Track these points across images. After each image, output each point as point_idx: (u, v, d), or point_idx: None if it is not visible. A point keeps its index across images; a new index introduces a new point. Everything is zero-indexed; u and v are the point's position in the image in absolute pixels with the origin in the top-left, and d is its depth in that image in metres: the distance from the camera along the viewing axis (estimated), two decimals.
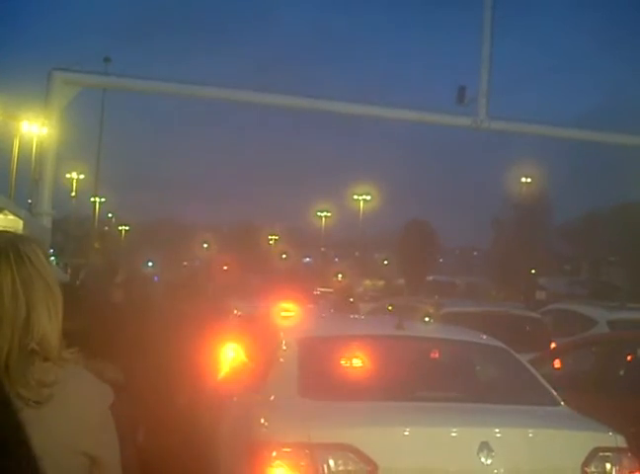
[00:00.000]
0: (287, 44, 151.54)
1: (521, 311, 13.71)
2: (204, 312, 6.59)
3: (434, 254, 65.11)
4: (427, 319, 6.61)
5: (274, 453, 4.40)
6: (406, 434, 4.63)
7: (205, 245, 61.21)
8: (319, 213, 75.13)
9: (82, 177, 62.05)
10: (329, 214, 75.44)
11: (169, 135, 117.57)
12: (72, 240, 51.57)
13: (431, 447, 4.53)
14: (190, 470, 5.89)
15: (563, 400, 5.38)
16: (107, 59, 35.05)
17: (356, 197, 71.97)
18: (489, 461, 4.44)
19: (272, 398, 5.12)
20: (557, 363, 9.11)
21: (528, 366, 5.79)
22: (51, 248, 17.86)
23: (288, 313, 6.43)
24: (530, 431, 4.82)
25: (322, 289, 33.82)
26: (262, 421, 4.90)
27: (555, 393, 5.42)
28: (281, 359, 5.40)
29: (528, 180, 56.44)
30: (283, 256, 66.05)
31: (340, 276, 45.33)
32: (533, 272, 51.15)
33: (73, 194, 62.63)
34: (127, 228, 77.98)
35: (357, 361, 5.49)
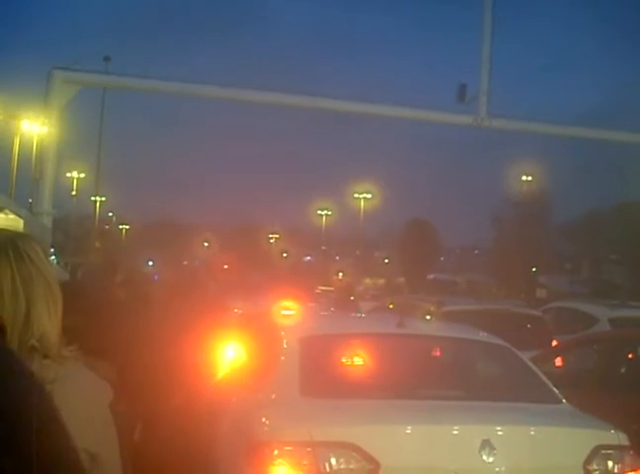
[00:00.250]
0: (287, 43, 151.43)
1: (522, 309, 13.70)
2: (204, 310, 6.58)
3: (434, 252, 65.15)
4: (428, 317, 6.60)
5: (275, 452, 4.40)
6: (408, 432, 4.63)
7: (206, 244, 61.25)
8: (320, 212, 75.15)
9: (82, 176, 62.11)
10: (330, 213, 75.47)
11: (169, 134, 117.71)
12: (73, 239, 51.60)
13: (432, 445, 4.53)
14: (187, 468, 5.89)
15: (565, 398, 5.37)
16: (107, 58, 35.15)
17: (356, 195, 72.00)
18: (491, 459, 4.44)
19: (273, 397, 5.12)
20: (558, 361, 9.11)
21: (530, 364, 5.78)
22: (52, 247, 17.85)
23: (289, 312, 6.42)
24: (532, 428, 4.82)
25: (323, 288, 33.81)
26: (263, 419, 4.89)
27: (557, 391, 5.41)
28: (283, 358, 5.39)
29: (529, 178, 56.45)
30: (284, 254, 66.08)
31: (340, 274, 45.35)
32: (534, 270, 51.19)
33: (74, 193, 62.68)
34: (128, 227, 78.00)
35: (358, 360, 5.49)
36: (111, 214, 74.80)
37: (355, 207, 73.02)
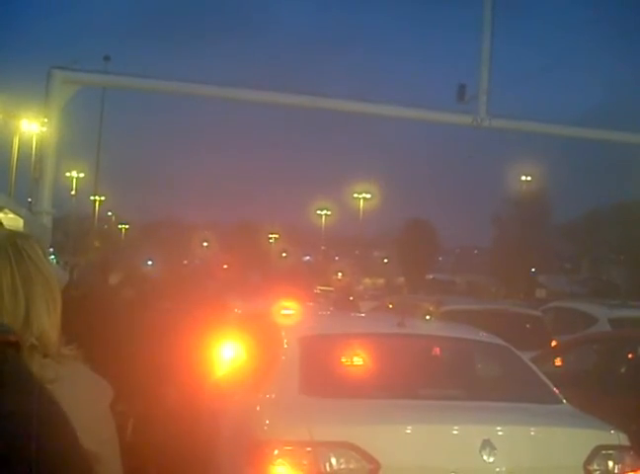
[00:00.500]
0: (287, 42, 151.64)
1: (522, 309, 13.68)
2: (204, 310, 6.58)
3: (433, 252, 65.19)
4: (427, 317, 6.60)
5: (275, 452, 4.39)
6: (408, 431, 4.63)
7: (206, 244, 61.25)
8: (319, 212, 75.15)
9: (82, 175, 62.09)
10: (329, 213, 75.46)
11: (168, 134, 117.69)
12: (72, 239, 51.59)
13: (433, 445, 4.52)
14: (182, 468, 5.89)
15: (565, 398, 5.37)
16: (106, 58, 35.07)
17: (356, 195, 72.02)
18: (491, 459, 4.43)
19: (273, 396, 5.11)
20: (558, 361, 9.11)
21: (530, 364, 5.78)
22: (51, 247, 17.85)
23: (289, 311, 6.42)
24: (532, 428, 4.82)
25: (322, 288, 33.81)
26: (263, 419, 4.89)
27: (557, 391, 5.41)
28: (283, 357, 5.39)
29: (529, 178, 56.47)
30: (284, 254, 66.09)
31: (340, 274, 45.38)
32: (533, 270, 51.21)
33: (73, 192, 62.68)
34: (127, 227, 78.00)
35: (358, 359, 5.49)
36: (110, 214, 74.82)
37: (354, 207, 73.07)
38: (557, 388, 5.46)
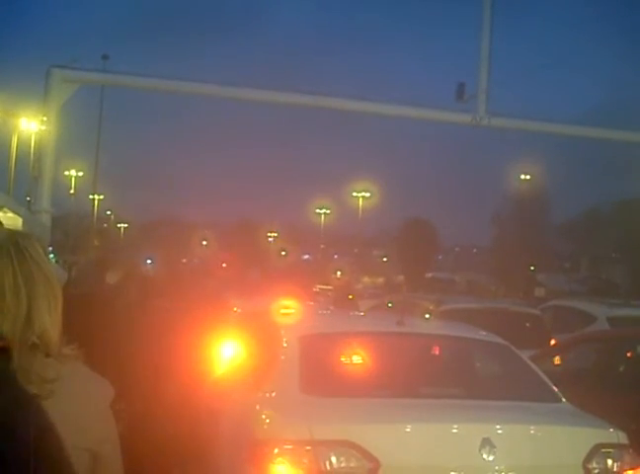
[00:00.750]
0: (286, 41, 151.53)
1: (521, 308, 13.69)
2: (203, 309, 6.58)
3: (433, 251, 65.20)
4: (427, 316, 6.60)
5: (275, 450, 4.39)
6: (408, 430, 4.63)
7: (205, 242, 61.24)
8: (318, 210, 75.14)
9: (81, 174, 62.03)
10: (328, 211, 75.45)
11: (167, 132, 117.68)
12: (71, 237, 51.57)
13: (432, 444, 4.53)
14: (181, 465, 5.89)
15: (564, 397, 5.37)
16: (105, 56, 35.10)
17: (355, 194, 71.98)
18: (491, 458, 4.44)
19: (273, 395, 5.12)
20: (557, 360, 9.11)
21: (529, 363, 5.78)
22: (50, 245, 17.84)
23: (289, 310, 6.42)
24: (532, 427, 4.82)
25: (321, 287, 33.80)
26: (263, 418, 4.90)
27: (556, 390, 5.41)
28: (283, 357, 5.39)
29: (528, 177, 56.46)
30: (283, 253, 66.12)
31: (339, 273, 45.36)
32: (533, 269, 51.20)
33: (72, 191, 62.65)
34: (126, 225, 78.00)
35: (358, 358, 5.49)
36: (109, 213, 74.80)
37: (353, 206, 73.05)
38: (556, 387, 5.46)
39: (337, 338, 5.75)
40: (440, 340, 6.03)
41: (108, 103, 51.55)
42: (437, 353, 6.06)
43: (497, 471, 4.47)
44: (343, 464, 4.32)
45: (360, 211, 72.99)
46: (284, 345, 5.51)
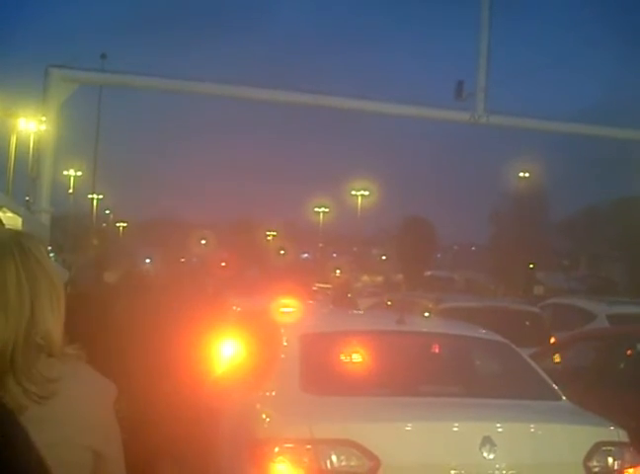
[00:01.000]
0: (285, 40, 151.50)
1: (520, 306, 13.72)
2: (202, 307, 6.58)
3: (432, 249, 65.23)
4: (426, 314, 6.61)
5: (276, 449, 4.39)
6: (408, 429, 4.63)
7: (203, 241, 61.25)
8: (317, 209, 75.14)
9: (80, 174, 62.00)
10: (327, 210, 75.44)
11: (166, 132, 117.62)
12: (70, 237, 51.55)
13: (433, 442, 4.53)
14: (182, 464, 5.89)
15: (564, 395, 5.38)
16: (103, 56, 35.11)
17: (353, 192, 71.96)
18: (491, 456, 4.44)
19: (273, 394, 5.12)
20: (557, 358, 9.12)
21: (530, 361, 5.78)
22: (50, 245, 17.83)
23: (289, 309, 6.42)
24: (532, 425, 4.82)
25: (320, 285, 33.82)
26: (264, 417, 4.90)
27: (557, 388, 5.41)
28: (283, 355, 5.39)
29: (527, 175, 56.47)
30: (281, 252, 66.14)
31: (338, 271, 45.40)
32: (532, 267, 51.20)
33: (71, 190, 62.63)
34: (125, 225, 78.00)
35: (358, 357, 5.49)
36: (108, 212, 74.81)
37: (352, 205, 73.02)
38: (556, 385, 5.46)
39: (337, 336, 5.75)
40: (440, 338, 6.04)
41: (106, 102, 51.56)
42: (436, 351, 6.06)
43: (497, 469, 4.47)
44: (343, 463, 4.32)
45: (359, 210, 72.99)
46: (284, 343, 5.51)
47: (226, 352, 6.66)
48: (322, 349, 5.48)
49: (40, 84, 14.50)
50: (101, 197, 62.78)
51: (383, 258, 69.10)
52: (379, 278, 57.03)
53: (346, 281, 25.82)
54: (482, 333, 6.14)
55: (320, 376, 5.16)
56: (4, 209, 8.83)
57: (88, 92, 37.27)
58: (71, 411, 1.78)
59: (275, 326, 5.92)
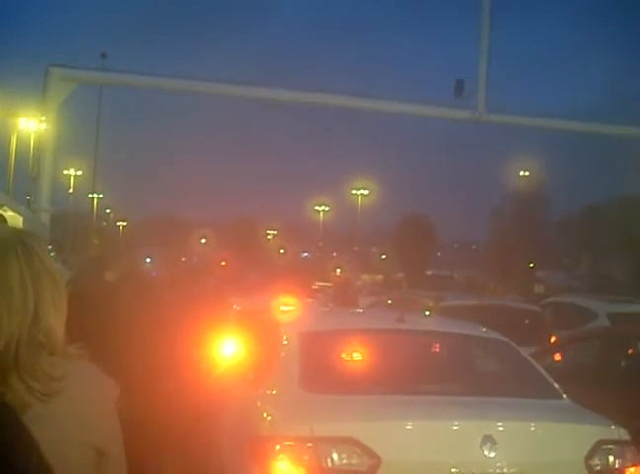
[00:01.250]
0: (285, 39, 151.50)
1: (521, 304, 13.72)
2: (203, 306, 6.58)
3: (432, 248, 65.26)
4: (427, 312, 6.60)
5: (277, 447, 4.39)
6: (409, 427, 4.63)
7: (204, 240, 61.26)
8: (317, 208, 75.15)
9: (80, 173, 62.01)
10: (327, 209, 75.46)
11: (166, 131, 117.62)
12: (71, 236, 51.57)
13: (434, 441, 4.52)
14: (183, 462, 5.89)
15: (565, 393, 5.37)
16: (103, 55, 35.10)
17: (353, 191, 71.95)
18: (492, 454, 4.43)
19: (274, 392, 5.12)
20: (558, 356, 9.12)
21: (530, 359, 5.78)
22: (50, 244, 17.84)
23: (289, 307, 6.43)
24: (533, 424, 4.81)
25: (320, 284, 33.81)
26: (264, 415, 4.89)
27: (557, 386, 5.41)
28: (283, 354, 5.39)
29: (527, 173, 56.46)
30: (282, 251, 66.18)
31: (338, 270, 45.40)
32: (532, 265, 51.20)
33: (71, 190, 62.64)
34: (125, 224, 78.05)
35: (358, 355, 5.49)
36: (108, 211, 74.81)
37: (352, 203, 73.02)
38: (557, 383, 5.46)
39: (337, 335, 5.75)
40: (441, 337, 6.04)
41: (106, 101, 51.53)
42: (437, 349, 6.06)
43: (498, 468, 4.46)
44: (344, 461, 4.32)
45: (360, 209, 73.00)
46: (285, 342, 5.51)
47: (227, 350, 6.66)
48: (322, 347, 5.48)
49: (40, 83, 14.54)
50: (101, 196, 62.81)
51: (383, 256, 69.10)
52: (379, 277, 57.05)
53: (346, 280, 25.78)
54: (482, 331, 6.14)
55: (320, 375, 5.16)
56: (5, 208, 8.84)
57: (88, 91, 37.24)
58: (74, 409, 1.79)
59: (275, 324, 5.92)
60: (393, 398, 4.94)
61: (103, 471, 1.86)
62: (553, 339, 10.92)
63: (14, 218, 8.97)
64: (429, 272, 57.30)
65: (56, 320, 1.82)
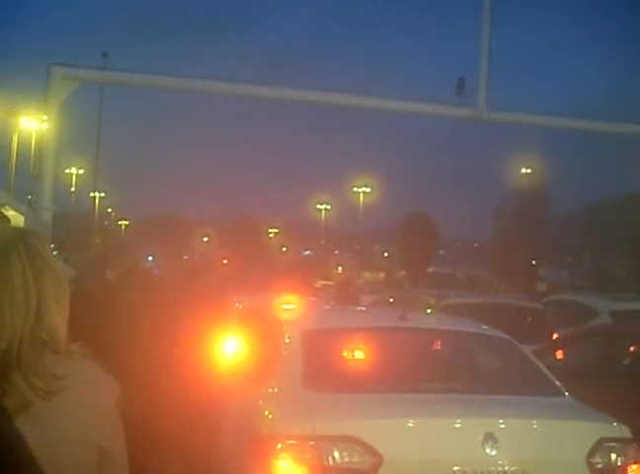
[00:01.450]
0: (286, 37, 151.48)
1: (523, 302, 13.69)
2: (205, 305, 6.58)
3: (434, 246, 65.25)
4: (429, 311, 6.60)
5: (278, 445, 4.39)
6: (410, 425, 4.63)
7: (206, 239, 61.29)
8: (319, 206, 75.16)
9: (81, 172, 62.05)
10: (329, 207, 75.47)
11: (168, 130, 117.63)
12: (72, 235, 51.58)
13: (436, 439, 4.52)
14: (185, 461, 5.90)
15: (567, 391, 5.37)
16: (105, 54, 35.04)
17: (355, 189, 71.97)
18: (494, 452, 4.43)
19: (276, 390, 5.12)
20: (560, 354, 9.11)
21: (532, 357, 5.78)
22: (52, 243, 17.84)
23: (291, 306, 6.42)
24: (535, 421, 4.82)
25: (322, 282, 33.82)
26: (266, 413, 4.90)
27: (559, 384, 5.41)
28: (285, 352, 5.39)
29: (529, 171, 56.42)
30: (283, 249, 66.18)
31: (340, 268, 45.43)
32: (534, 263, 51.18)
33: (73, 189, 62.68)
34: (127, 223, 78.10)
35: (360, 353, 5.49)
36: (110, 210, 74.85)
37: (354, 201, 73.07)
38: (559, 381, 5.45)
39: (339, 333, 5.75)
40: (443, 335, 6.03)
41: (108, 100, 51.55)
42: (439, 347, 6.06)
43: (500, 466, 4.46)
44: (346, 459, 4.32)
45: (361, 207, 73.03)
46: (287, 340, 5.51)
47: (229, 349, 6.66)
48: (324, 345, 5.48)
49: (41, 82, 14.50)
50: (103, 195, 62.86)
51: (385, 254, 69.13)
52: (381, 275, 57.03)
53: (348, 278, 25.75)
54: (484, 329, 6.14)
55: (322, 373, 5.16)
56: (6, 207, 8.83)
57: (89, 90, 37.25)
58: (75, 408, 1.79)
59: (277, 323, 5.92)
60: (395, 396, 4.94)
61: (104, 470, 1.87)
62: (555, 336, 10.91)
63: (16, 217, 8.95)
64: (431, 269, 57.35)
65: (59, 319, 1.83)
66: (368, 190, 71.02)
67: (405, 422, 4.62)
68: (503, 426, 4.62)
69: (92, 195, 58.72)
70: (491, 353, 6.17)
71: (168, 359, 5.58)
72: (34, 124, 28.45)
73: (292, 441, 4.40)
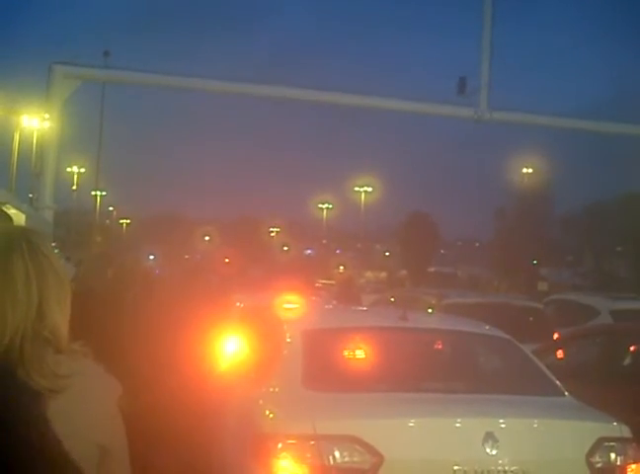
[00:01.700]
0: (288, 37, 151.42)
1: (524, 302, 13.69)
2: (206, 304, 6.58)
3: (435, 245, 65.23)
4: (430, 310, 6.60)
5: (279, 445, 4.40)
6: (411, 425, 4.63)
7: (207, 238, 61.31)
8: (320, 205, 75.16)
9: (83, 170, 62.08)
10: (330, 206, 75.47)
11: (169, 129, 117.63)
12: (74, 234, 51.62)
13: (436, 438, 4.53)
14: (185, 460, 5.89)
15: (567, 390, 5.37)
16: (106, 53, 35.01)
17: (357, 188, 71.94)
18: (494, 452, 4.44)
19: (276, 390, 5.13)
20: (560, 354, 9.11)
21: (532, 357, 5.78)
22: (53, 242, 17.86)
23: (292, 305, 6.42)
24: (535, 421, 4.82)
25: (323, 281, 33.79)
26: (267, 413, 4.90)
27: (559, 383, 5.41)
28: (286, 352, 5.39)
29: (530, 170, 56.39)
30: (285, 248, 66.20)
31: (341, 267, 45.39)
32: (535, 262, 51.15)
33: (74, 187, 62.69)
34: (128, 221, 78.10)
35: (361, 353, 5.49)
36: (111, 209, 74.87)
37: (355, 201, 73.03)
38: (559, 381, 5.46)
39: (340, 333, 5.75)
40: (443, 334, 6.04)
41: (109, 99, 51.50)
42: (439, 347, 6.05)
43: (500, 465, 4.47)
44: (346, 459, 4.33)
45: (363, 206, 73.00)
46: (287, 340, 5.52)
47: (230, 348, 6.66)
48: (325, 345, 5.48)
49: (43, 81, 14.53)
50: (104, 193, 62.85)
51: (387, 254, 69.15)
52: (383, 275, 57.00)
53: (349, 278, 25.73)
54: (485, 329, 6.14)
55: (323, 372, 5.16)
56: (8, 206, 8.83)
57: (91, 89, 37.27)
58: (77, 407, 1.80)
59: (278, 322, 5.93)
60: (395, 396, 4.95)
61: (105, 468, 1.88)
62: (556, 336, 10.91)
63: (17, 216, 8.95)
64: (432, 269, 57.31)
65: (60, 317, 1.84)
66: (370, 189, 70.98)
67: (405, 421, 4.63)
68: (503, 425, 4.63)
69: (93, 193, 58.82)
70: (491, 352, 6.17)
71: (170, 358, 5.58)
72: (35, 123, 28.50)
73: (293, 441, 4.40)
